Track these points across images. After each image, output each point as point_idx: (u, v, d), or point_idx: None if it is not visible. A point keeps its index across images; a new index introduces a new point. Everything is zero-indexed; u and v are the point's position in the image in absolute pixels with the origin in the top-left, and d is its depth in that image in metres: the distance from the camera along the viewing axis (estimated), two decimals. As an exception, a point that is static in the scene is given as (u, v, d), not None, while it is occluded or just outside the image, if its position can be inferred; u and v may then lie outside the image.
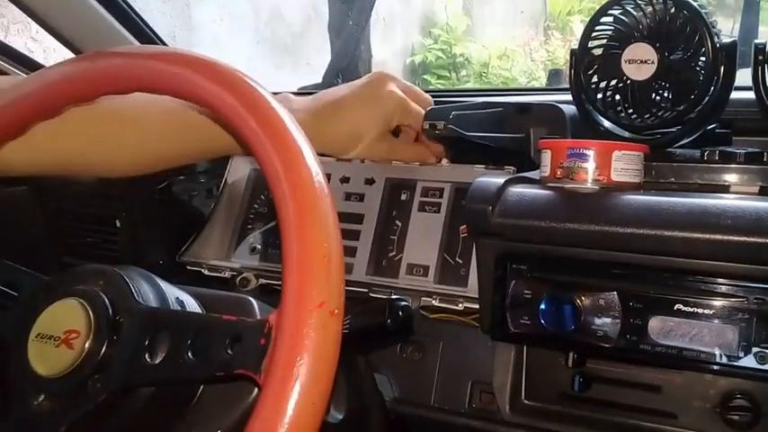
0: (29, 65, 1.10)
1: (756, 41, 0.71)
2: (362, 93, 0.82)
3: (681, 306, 0.60)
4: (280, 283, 0.43)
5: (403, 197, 0.85)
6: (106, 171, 0.80)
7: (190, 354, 0.50)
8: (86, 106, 0.70)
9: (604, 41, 0.74)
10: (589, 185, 0.66)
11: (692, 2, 0.69)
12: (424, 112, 0.81)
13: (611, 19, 0.73)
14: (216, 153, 0.85)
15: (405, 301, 0.69)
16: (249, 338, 0.46)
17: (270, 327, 0.44)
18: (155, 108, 0.77)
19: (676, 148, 0.74)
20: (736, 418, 0.63)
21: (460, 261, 0.80)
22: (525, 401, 0.72)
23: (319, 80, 1.70)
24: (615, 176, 0.66)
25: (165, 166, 0.84)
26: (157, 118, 0.77)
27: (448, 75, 4.42)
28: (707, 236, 0.58)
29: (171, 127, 0.77)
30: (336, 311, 0.41)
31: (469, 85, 4.33)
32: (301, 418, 0.39)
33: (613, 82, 0.74)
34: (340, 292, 0.42)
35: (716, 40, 0.69)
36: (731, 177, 0.70)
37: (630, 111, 0.73)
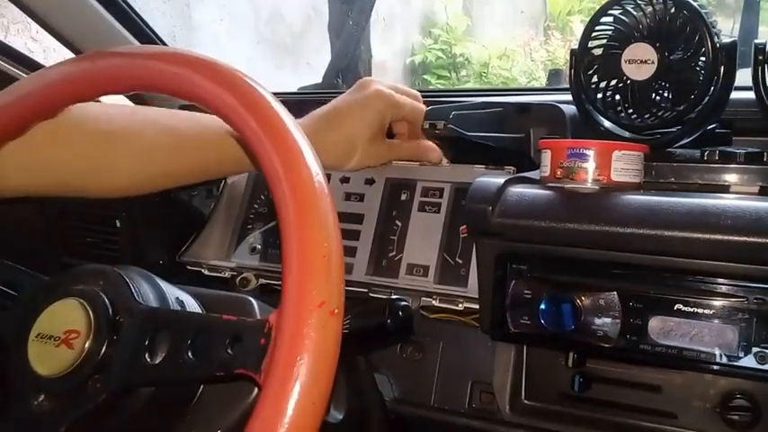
0: (29, 65, 1.10)
1: (756, 41, 0.71)
2: (351, 99, 0.83)
3: (681, 306, 0.60)
4: (280, 283, 0.43)
5: (403, 197, 0.85)
6: (100, 193, 0.79)
7: (190, 354, 0.50)
8: (80, 129, 0.70)
9: (604, 41, 0.74)
10: (589, 185, 0.66)
11: (692, 2, 0.69)
12: (413, 102, 0.82)
13: (611, 19, 0.73)
14: (211, 175, 0.84)
15: (405, 301, 0.69)
16: (249, 338, 0.46)
17: (270, 326, 0.44)
18: (149, 130, 0.76)
19: (676, 148, 0.74)
20: (736, 417, 0.63)
21: (460, 261, 0.80)
22: (525, 401, 0.73)
23: (319, 80, 1.70)
24: (615, 176, 0.66)
25: (158, 187, 0.82)
26: (151, 141, 0.76)
27: (448, 75, 4.41)
28: (707, 236, 0.58)
29: (165, 149, 0.77)
30: (336, 311, 0.41)
31: (469, 85, 4.33)
32: (301, 418, 0.39)
33: (613, 82, 0.74)
34: (340, 292, 0.42)
35: (716, 40, 0.69)
36: (731, 177, 0.70)
37: (630, 111, 0.73)
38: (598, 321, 0.63)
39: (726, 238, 0.57)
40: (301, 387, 0.39)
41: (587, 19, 0.75)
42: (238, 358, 0.46)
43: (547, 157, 0.68)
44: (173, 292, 0.60)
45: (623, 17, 0.72)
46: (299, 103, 0.83)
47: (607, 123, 0.75)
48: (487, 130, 0.80)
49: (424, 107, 0.82)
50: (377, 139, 0.83)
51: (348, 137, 0.82)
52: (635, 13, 0.72)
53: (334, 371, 0.41)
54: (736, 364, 0.59)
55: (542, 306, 0.65)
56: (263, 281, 0.86)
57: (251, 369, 0.45)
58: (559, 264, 0.65)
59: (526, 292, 0.66)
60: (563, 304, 0.64)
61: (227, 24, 3.62)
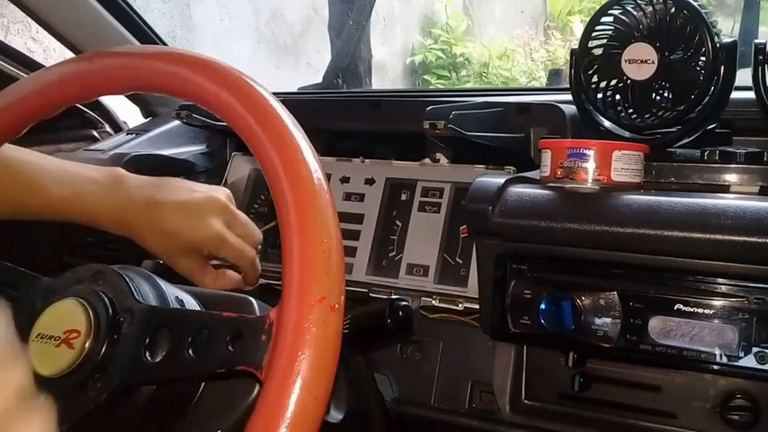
0: (29, 65, 1.10)
1: (756, 41, 0.71)
2: (188, 210, 0.74)
3: (681, 306, 0.60)
4: (280, 283, 0.43)
5: (403, 197, 0.85)
6: None
7: (190, 351, 0.50)
8: None
9: (604, 41, 0.74)
10: (589, 185, 0.66)
11: (692, 2, 0.69)
12: (246, 246, 0.75)
13: (611, 19, 0.73)
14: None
15: (405, 301, 0.69)
16: (250, 335, 0.46)
17: (270, 322, 0.44)
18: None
19: (676, 147, 0.74)
20: (736, 417, 0.63)
21: (460, 261, 0.80)
22: (525, 401, 0.73)
23: (319, 80, 1.70)
24: (615, 176, 0.66)
25: None
26: None
27: (448, 75, 4.42)
28: (707, 236, 0.58)
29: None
30: (337, 306, 0.41)
31: (469, 85, 4.33)
32: (303, 413, 0.39)
33: (613, 82, 0.74)
34: (341, 288, 0.42)
35: (716, 39, 0.69)
36: (731, 177, 0.70)
37: (630, 111, 0.73)
38: (598, 321, 0.63)
39: (726, 237, 0.57)
40: (303, 382, 0.39)
41: (587, 19, 0.76)
42: (239, 355, 0.46)
43: (547, 157, 0.68)
44: (172, 292, 0.60)
45: (623, 17, 0.72)
46: (299, 103, 0.83)
47: (607, 123, 0.75)
48: (487, 130, 0.80)
49: (252, 253, 0.75)
50: (189, 254, 0.75)
51: (171, 236, 0.74)
52: (635, 12, 0.72)
53: (335, 366, 0.41)
54: (736, 363, 0.59)
55: (542, 306, 0.65)
56: (263, 281, 0.86)
57: (252, 365, 0.45)
58: (559, 264, 0.65)
59: (526, 291, 0.66)
60: (563, 304, 0.64)
61: (227, 24, 3.63)
